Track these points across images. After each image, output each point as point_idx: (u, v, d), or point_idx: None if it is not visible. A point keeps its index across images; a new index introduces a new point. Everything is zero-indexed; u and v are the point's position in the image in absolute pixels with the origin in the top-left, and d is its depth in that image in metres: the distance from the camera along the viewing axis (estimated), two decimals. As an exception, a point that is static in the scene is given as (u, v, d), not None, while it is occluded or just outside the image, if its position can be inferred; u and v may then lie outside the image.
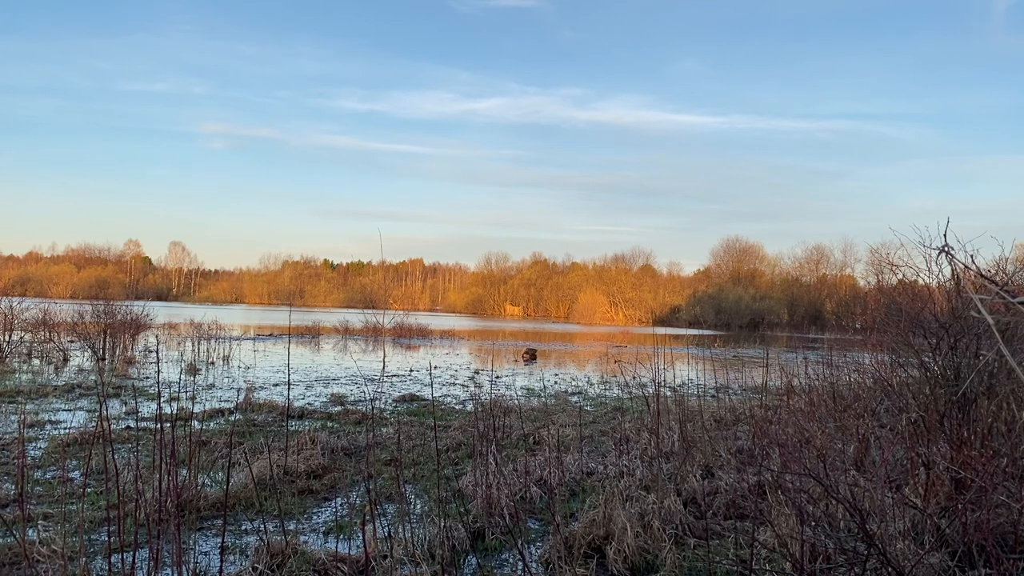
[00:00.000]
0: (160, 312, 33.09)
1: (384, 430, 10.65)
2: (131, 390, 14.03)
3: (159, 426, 5.78)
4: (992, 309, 5.83)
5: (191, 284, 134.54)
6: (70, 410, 11.70)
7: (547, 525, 6.19)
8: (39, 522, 5.93)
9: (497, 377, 19.43)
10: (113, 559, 4.85)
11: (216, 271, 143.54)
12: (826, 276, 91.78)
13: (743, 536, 5.72)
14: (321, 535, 6.05)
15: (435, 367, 22.55)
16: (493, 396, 13.33)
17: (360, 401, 13.84)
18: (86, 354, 21.47)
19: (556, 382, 19.25)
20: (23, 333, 22.44)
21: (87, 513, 6.11)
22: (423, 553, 5.20)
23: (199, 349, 23.36)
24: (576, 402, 14.85)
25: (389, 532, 5.24)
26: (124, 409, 11.92)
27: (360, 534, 5.67)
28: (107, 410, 7.14)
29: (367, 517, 5.55)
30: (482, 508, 6.14)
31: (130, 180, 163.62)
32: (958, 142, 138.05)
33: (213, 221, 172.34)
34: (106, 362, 20.47)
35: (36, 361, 19.84)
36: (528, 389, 16.96)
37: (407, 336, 39.27)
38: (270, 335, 37.10)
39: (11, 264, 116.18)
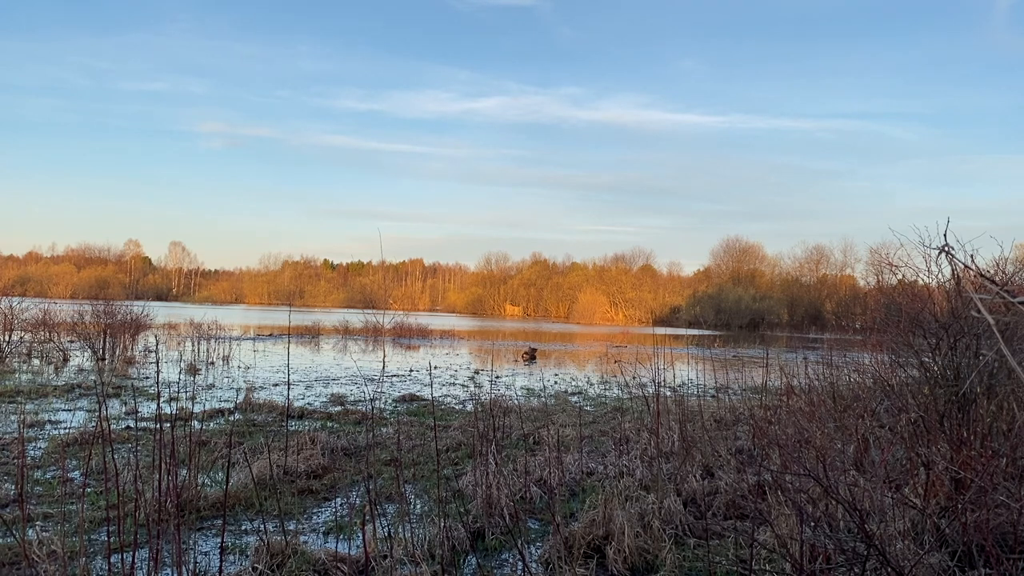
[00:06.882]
0: (160, 312, 33.08)
1: (384, 430, 10.65)
2: (131, 390, 14.03)
3: (159, 426, 5.78)
4: (992, 309, 5.83)
5: (191, 284, 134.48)
6: (70, 410, 11.70)
7: (547, 525, 6.19)
8: (39, 522, 5.93)
9: (497, 377, 19.42)
10: (113, 559, 4.85)
11: (216, 271, 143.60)
12: (826, 276, 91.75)
13: (743, 536, 5.72)
14: (321, 535, 6.05)
15: (435, 367, 22.55)
16: (493, 396, 13.33)
17: (360, 401, 13.85)
18: (86, 354, 21.46)
19: (556, 382, 19.25)
20: (23, 333, 22.43)
21: (87, 513, 6.10)
22: (423, 553, 5.20)
23: (199, 349, 23.34)
24: (576, 402, 14.85)
25: (389, 532, 5.24)
26: (124, 409, 11.91)
27: (360, 534, 5.67)
28: (107, 410, 7.15)
29: (367, 517, 5.55)
30: (482, 508, 6.14)
31: (130, 180, 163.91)
32: (958, 142, 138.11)
33: (213, 221, 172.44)
34: (106, 362, 20.47)
35: (36, 361, 19.83)
36: (528, 389, 16.96)
37: (407, 336, 39.27)
38: (270, 335, 37.08)
39: (11, 264, 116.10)
